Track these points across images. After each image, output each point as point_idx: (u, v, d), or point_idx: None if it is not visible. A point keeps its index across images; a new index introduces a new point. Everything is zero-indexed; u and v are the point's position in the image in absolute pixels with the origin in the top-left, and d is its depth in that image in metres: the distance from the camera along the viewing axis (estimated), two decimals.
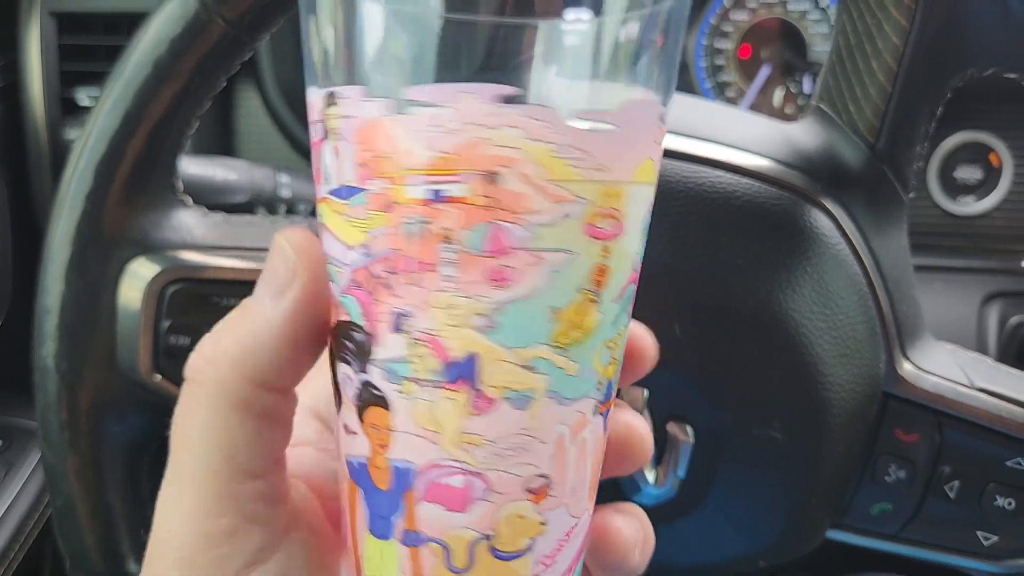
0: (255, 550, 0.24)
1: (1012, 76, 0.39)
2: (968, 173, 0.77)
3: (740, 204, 0.40)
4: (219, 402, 0.24)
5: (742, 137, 0.42)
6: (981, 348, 0.72)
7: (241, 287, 0.43)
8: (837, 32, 0.42)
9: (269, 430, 0.24)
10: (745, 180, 0.40)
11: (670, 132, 0.41)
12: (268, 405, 0.24)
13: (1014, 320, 0.72)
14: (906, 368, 0.42)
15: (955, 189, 0.78)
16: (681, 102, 0.45)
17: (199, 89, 0.40)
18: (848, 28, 0.41)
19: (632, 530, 0.28)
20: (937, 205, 0.78)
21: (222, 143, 0.86)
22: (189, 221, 0.44)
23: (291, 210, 0.70)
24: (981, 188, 0.78)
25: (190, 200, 0.45)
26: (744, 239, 0.40)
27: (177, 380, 0.43)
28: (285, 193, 0.69)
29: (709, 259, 0.40)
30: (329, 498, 0.27)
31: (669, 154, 0.40)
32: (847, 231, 0.41)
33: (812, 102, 0.45)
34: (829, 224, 0.41)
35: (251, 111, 0.85)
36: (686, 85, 0.86)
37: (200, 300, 0.43)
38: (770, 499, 0.43)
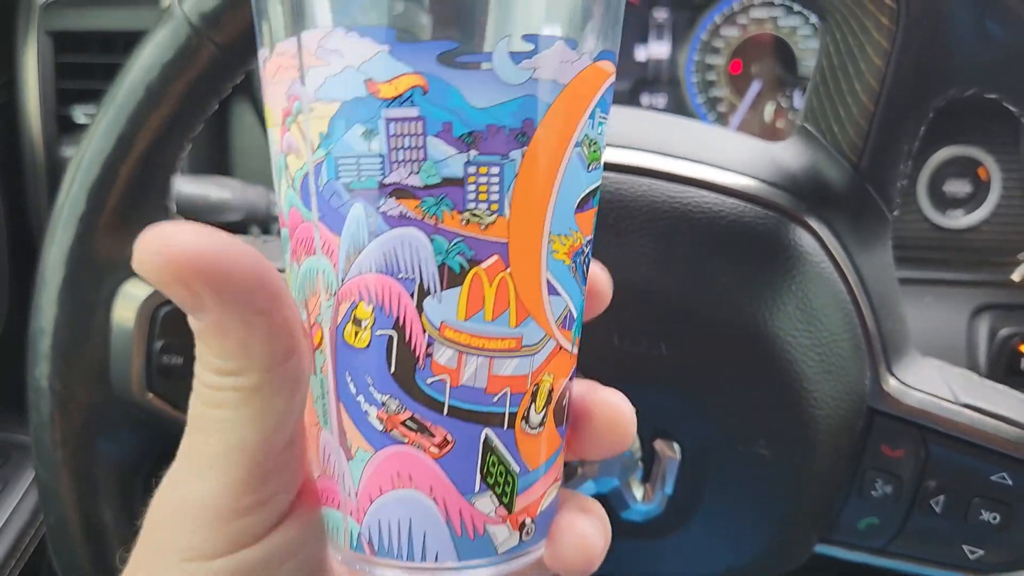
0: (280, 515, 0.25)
1: (993, 96, 0.40)
2: (957, 187, 0.78)
3: (725, 224, 0.40)
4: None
5: (727, 157, 0.42)
6: (971, 360, 0.72)
7: None
8: (821, 53, 0.43)
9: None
10: (730, 200, 0.41)
11: (655, 152, 0.42)
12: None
13: (1004, 332, 0.72)
14: (891, 384, 0.43)
15: (944, 203, 0.78)
16: (666, 122, 0.46)
17: (191, 113, 0.41)
18: (832, 49, 0.42)
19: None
20: (927, 219, 0.79)
21: (218, 159, 0.86)
22: None
23: None
24: (970, 202, 0.78)
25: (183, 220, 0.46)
26: (729, 258, 0.40)
27: (170, 399, 0.43)
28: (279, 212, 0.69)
29: (694, 278, 0.40)
30: None
31: (655, 174, 0.41)
32: (831, 249, 0.41)
33: (797, 122, 0.45)
34: (813, 243, 0.41)
35: (247, 127, 0.86)
36: (677, 100, 0.87)
37: None
38: (757, 515, 0.44)
